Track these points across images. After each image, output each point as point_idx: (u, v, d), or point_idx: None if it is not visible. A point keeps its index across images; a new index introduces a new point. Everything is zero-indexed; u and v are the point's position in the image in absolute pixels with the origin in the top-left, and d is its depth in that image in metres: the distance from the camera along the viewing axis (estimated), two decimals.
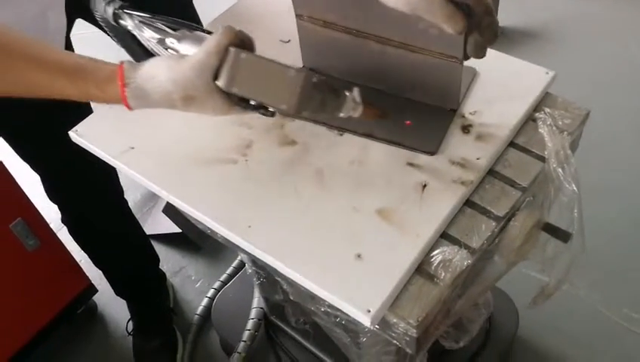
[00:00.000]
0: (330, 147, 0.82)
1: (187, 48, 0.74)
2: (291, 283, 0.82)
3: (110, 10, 0.84)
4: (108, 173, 1.27)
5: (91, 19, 1.11)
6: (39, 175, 1.25)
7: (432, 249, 0.71)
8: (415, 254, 0.69)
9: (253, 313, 1.40)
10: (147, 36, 0.79)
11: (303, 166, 0.80)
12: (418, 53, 0.78)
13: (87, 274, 1.58)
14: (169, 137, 0.84)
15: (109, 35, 0.95)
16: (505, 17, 2.27)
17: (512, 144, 0.82)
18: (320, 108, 0.71)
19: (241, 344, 1.38)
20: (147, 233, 1.59)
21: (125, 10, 0.83)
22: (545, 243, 0.80)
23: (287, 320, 1.20)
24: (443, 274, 0.69)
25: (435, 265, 0.70)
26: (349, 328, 0.88)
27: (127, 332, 1.59)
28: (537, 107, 0.85)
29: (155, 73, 0.70)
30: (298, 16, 0.84)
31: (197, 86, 0.69)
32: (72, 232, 1.40)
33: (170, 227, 1.72)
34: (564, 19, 2.34)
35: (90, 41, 1.20)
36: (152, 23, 0.79)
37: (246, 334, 1.39)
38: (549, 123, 0.82)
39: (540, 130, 0.82)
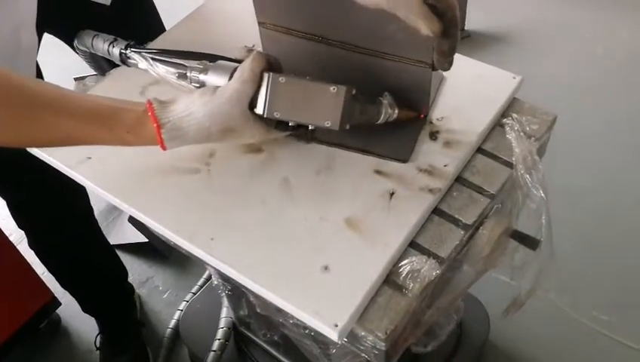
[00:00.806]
0: (296, 155, 0.80)
1: (214, 79, 0.73)
2: (257, 296, 0.80)
3: (116, 50, 0.84)
4: (78, 195, 1.26)
5: (59, 34, 1.07)
6: (6, 202, 1.22)
7: (400, 259, 0.70)
8: (383, 265, 0.68)
9: (222, 322, 1.37)
10: (162, 72, 0.78)
11: (269, 175, 0.78)
12: (387, 59, 0.77)
13: (50, 286, 1.53)
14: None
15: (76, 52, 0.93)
16: (470, 21, 2.29)
17: (479, 150, 0.81)
18: (360, 119, 0.73)
19: (211, 354, 1.35)
20: (113, 243, 1.55)
21: (133, 50, 0.83)
22: (513, 251, 0.80)
23: (256, 331, 1.17)
24: (411, 284, 0.67)
25: (403, 275, 0.68)
26: (319, 339, 0.86)
27: (96, 347, 1.55)
28: (505, 112, 0.84)
29: (190, 110, 0.68)
30: (260, 23, 0.82)
31: (235, 117, 0.68)
32: (41, 257, 1.36)
33: (136, 236, 1.68)
34: (529, 22, 2.37)
35: (51, 46, 1.16)
36: (164, 58, 0.79)
37: (216, 344, 1.36)
38: (516, 128, 0.81)
39: (507, 135, 0.81)
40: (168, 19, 1.12)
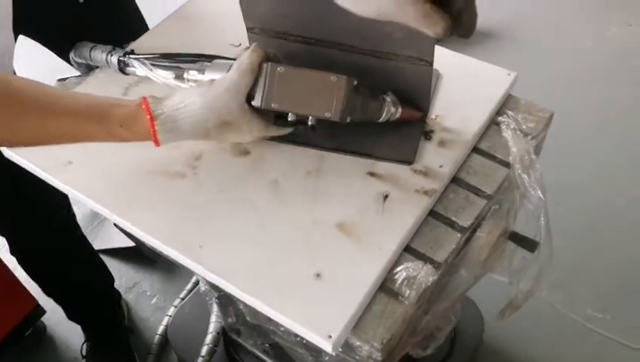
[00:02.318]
0: (286, 156, 0.77)
1: (212, 77, 0.71)
2: (247, 304, 0.77)
3: (114, 59, 0.84)
4: (59, 204, 1.22)
5: (35, 35, 1.03)
6: None
7: (395, 264, 0.67)
8: (378, 271, 0.65)
9: (211, 327, 1.34)
10: (161, 76, 0.77)
11: (258, 178, 0.75)
12: (385, 58, 0.74)
13: (34, 294, 1.49)
14: (110, 150, 0.77)
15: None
16: None
17: (475, 150, 0.78)
18: (361, 115, 0.70)
19: (200, 359, 1.32)
20: (98, 248, 1.51)
21: (131, 56, 0.82)
22: (512, 254, 0.77)
23: (245, 338, 1.14)
24: (408, 291, 0.65)
25: (399, 282, 0.65)
26: (311, 347, 0.83)
27: (82, 355, 1.51)
28: (500, 110, 0.82)
29: (186, 101, 0.66)
30: (249, 29, 0.78)
31: (232, 110, 0.66)
32: (23, 264, 1.32)
33: (123, 241, 1.64)
34: (517, 18, 2.35)
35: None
36: (162, 62, 0.78)
37: (205, 349, 1.33)
38: (512, 127, 0.79)
39: (503, 134, 0.79)
40: (151, 17, 1.08)
